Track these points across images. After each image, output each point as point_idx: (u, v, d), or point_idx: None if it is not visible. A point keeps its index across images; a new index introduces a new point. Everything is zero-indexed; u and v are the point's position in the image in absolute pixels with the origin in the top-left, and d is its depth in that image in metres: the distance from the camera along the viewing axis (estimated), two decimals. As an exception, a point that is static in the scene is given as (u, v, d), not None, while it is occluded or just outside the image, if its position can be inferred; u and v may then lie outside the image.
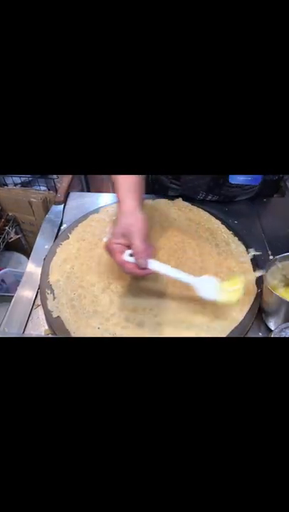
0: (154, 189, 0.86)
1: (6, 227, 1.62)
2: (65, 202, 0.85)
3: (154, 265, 0.54)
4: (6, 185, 1.63)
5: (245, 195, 0.80)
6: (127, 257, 0.54)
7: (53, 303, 0.58)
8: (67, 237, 0.70)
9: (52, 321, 0.57)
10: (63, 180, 0.96)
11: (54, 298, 0.59)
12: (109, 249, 0.55)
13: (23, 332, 0.57)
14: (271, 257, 0.70)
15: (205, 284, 0.55)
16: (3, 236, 1.59)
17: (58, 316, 0.57)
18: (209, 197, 0.80)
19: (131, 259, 0.54)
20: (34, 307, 0.61)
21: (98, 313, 0.57)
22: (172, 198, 0.80)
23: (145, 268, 0.54)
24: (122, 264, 0.54)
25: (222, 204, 0.80)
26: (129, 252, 0.54)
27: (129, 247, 0.54)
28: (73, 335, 0.55)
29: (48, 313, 0.58)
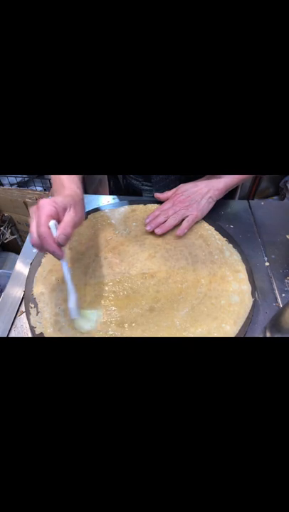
0: (128, 193, 0.84)
1: (2, 228, 1.60)
2: (56, 204, 0.82)
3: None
4: (2, 185, 1.61)
5: None
6: (51, 223, 0.48)
7: (36, 318, 0.56)
8: (54, 246, 0.66)
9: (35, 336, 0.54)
10: (55, 182, 0.93)
11: (37, 312, 0.56)
12: (38, 205, 0.50)
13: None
14: (267, 264, 0.67)
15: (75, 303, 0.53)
16: (-2, 237, 1.57)
17: (41, 333, 0.54)
18: None
19: (53, 230, 0.49)
20: (18, 314, 0.59)
21: (84, 328, 0.54)
22: (145, 201, 0.78)
23: (61, 245, 0.49)
24: (39, 226, 0.48)
25: (217, 207, 0.77)
26: (54, 221, 0.49)
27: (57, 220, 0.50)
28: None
29: (31, 329, 0.55)
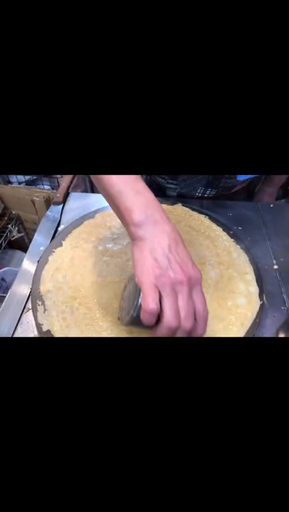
0: (151, 190, 0.84)
1: (9, 226, 1.61)
2: (64, 202, 0.83)
3: None
4: (11, 183, 1.61)
5: (241, 184, 0.79)
6: None
7: (43, 315, 0.56)
8: (61, 244, 0.66)
9: (42, 334, 0.54)
10: (64, 181, 0.94)
11: (44, 310, 0.56)
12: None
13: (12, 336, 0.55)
14: (276, 267, 0.67)
15: None
16: (5, 234, 1.58)
17: (48, 330, 0.54)
18: (208, 192, 0.78)
19: None
20: (25, 311, 0.59)
21: (91, 327, 0.54)
22: (170, 198, 0.78)
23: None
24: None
25: (226, 209, 0.77)
26: None
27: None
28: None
29: (38, 326, 0.55)
